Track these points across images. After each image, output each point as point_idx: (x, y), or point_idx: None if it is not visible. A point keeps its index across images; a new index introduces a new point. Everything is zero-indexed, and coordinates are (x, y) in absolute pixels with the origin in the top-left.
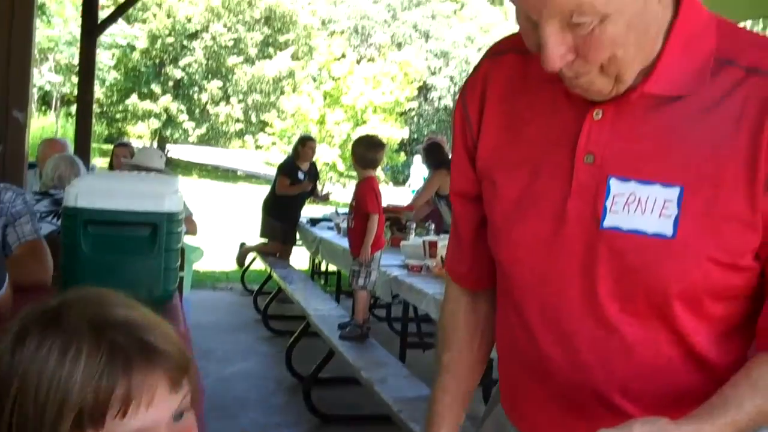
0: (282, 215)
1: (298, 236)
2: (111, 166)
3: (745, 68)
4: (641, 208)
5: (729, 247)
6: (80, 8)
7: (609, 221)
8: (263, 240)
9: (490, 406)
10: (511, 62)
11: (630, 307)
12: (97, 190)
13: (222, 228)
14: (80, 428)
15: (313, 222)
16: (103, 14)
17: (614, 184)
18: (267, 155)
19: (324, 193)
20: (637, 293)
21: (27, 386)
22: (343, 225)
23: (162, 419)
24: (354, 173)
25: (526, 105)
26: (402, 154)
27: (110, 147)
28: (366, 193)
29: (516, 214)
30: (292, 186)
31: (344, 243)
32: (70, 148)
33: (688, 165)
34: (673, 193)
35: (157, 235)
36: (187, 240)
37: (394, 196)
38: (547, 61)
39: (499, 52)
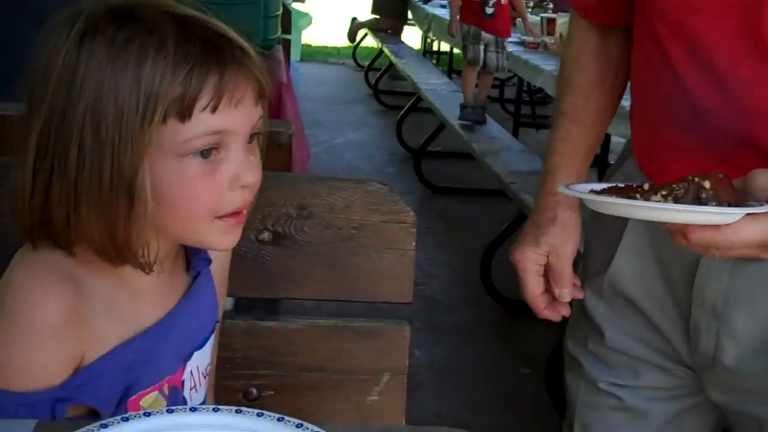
0: None
1: (409, 14)
2: None
3: None
4: None
5: None
6: None
7: None
8: (375, 16)
9: (618, 161)
10: None
11: None
12: None
13: (335, 3)
14: (164, 122)
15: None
16: None
17: None
18: None
19: None
20: None
21: (104, 86)
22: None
23: (245, 126)
24: None
25: None
26: None
27: None
28: None
29: None
30: None
31: None
32: None
33: None
34: None
35: None
36: (296, 6)
37: None
38: None
39: None
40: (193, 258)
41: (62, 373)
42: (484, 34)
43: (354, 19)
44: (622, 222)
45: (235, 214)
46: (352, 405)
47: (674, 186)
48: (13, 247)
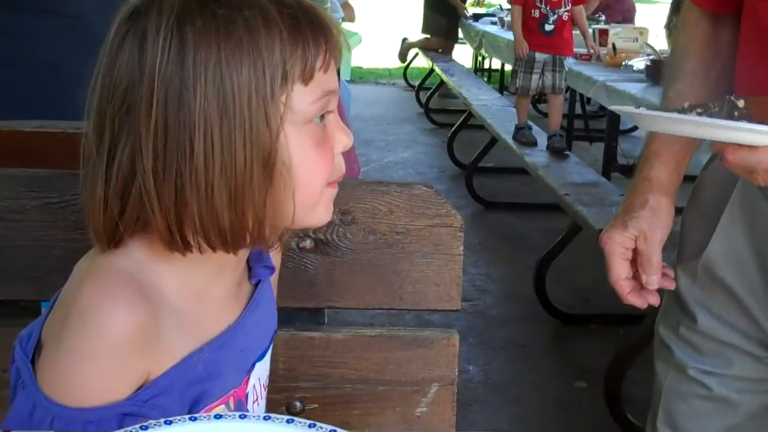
0: (445, 10)
1: (460, 33)
2: None
3: None
4: None
5: None
6: None
7: None
8: (425, 36)
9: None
10: None
11: None
12: None
13: (384, 25)
14: (291, 89)
15: (476, 17)
16: None
17: None
18: None
19: None
20: None
21: (222, 71)
22: (507, 19)
23: (338, 87)
24: None
25: None
26: None
27: None
28: None
29: None
30: None
31: (508, 35)
32: None
33: None
34: None
35: None
36: (346, 26)
37: None
38: None
39: None
40: (255, 266)
41: (128, 389)
42: (539, 56)
43: (404, 40)
44: (719, 206)
45: (333, 182)
46: (399, 417)
47: (710, 104)
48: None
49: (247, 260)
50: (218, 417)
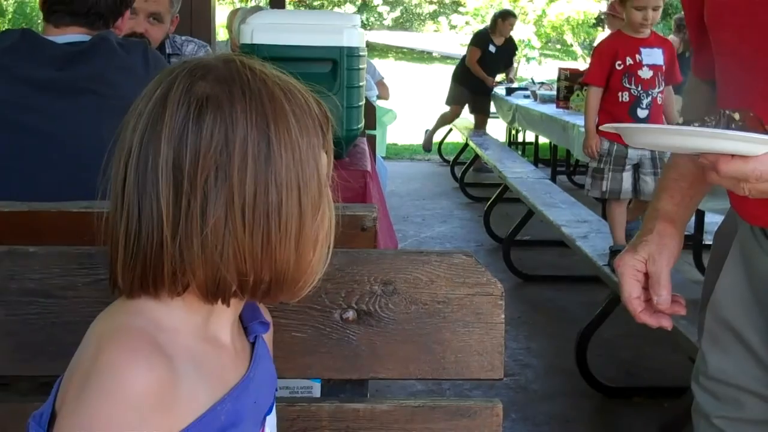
0: (469, 82)
1: (493, 107)
2: None
3: None
4: None
5: None
6: None
7: None
8: (447, 108)
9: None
10: None
11: None
12: (274, 25)
13: (419, 102)
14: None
15: (509, 91)
16: None
17: None
18: (461, 37)
19: (511, 76)
20: None
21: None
22: (540, 92)
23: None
24: (551, 50)
25: None
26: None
27: None
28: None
29: None
30: (481, 65)
31: (541, 108)
32: None
33: None
34: None
35: (337, 71)
36: (381, 104)
37: None
38: None
39: None
40: (251, 323)
41: None
42: (632, 153)
43: (426, 131)
44: (725, 254)
45: None
46: None
47: (706, 118)
48: None
49: (240, 319)
50: None
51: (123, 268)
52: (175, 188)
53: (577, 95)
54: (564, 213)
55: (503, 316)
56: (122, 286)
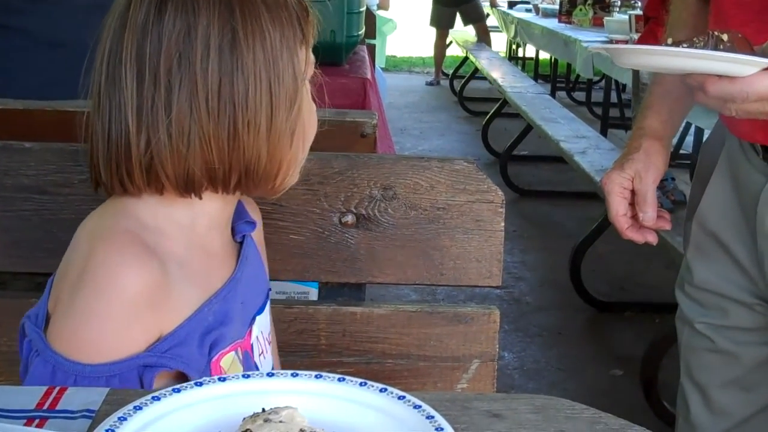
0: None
1: (495, 20)
2: None
3: None
4: None
5: None
6: None
7: None
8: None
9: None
10: None
11: None
12: None
13: (419, 14)
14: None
15: (511, 4)
16: None
17: None
18: None
19: None
20: None
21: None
22: (542, 6)
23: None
24: None
25: None
26: None
27: None
28: None
29: None
30: None
31: (543, 22)
32: None
33: None
34: None
35: None
36: (381, 14)
37: None
38: None
39: None
40: (237, 223)
41: (143, 344)
42: None
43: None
44: (711, 168)
45: None
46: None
47: (695, 39)
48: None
49: None
50: (294, 375)
51: (102, 165)
52: (139, 79)
53: (580, 9)
54: (562, 128)
55: (503, 224)
56: (104, 184)
